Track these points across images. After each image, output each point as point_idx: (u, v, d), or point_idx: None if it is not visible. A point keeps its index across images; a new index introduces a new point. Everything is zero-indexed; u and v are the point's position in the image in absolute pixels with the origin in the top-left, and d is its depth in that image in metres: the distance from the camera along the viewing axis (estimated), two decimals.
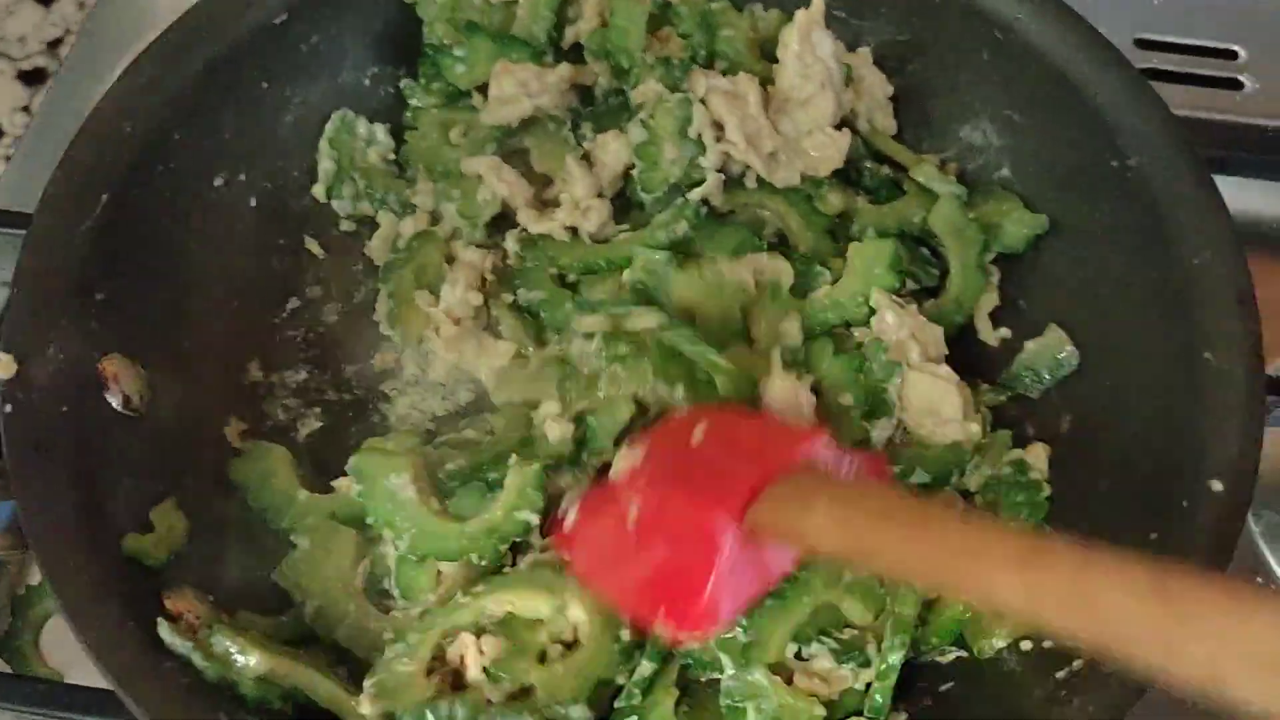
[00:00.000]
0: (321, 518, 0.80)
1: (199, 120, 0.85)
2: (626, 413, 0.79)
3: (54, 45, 1.26)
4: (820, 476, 0.66)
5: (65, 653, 0.86)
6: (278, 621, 0.77)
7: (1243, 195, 1.07)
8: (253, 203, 0.90)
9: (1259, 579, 0.94)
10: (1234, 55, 1.17)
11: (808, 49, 0.88)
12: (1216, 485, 0.70)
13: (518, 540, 0.75)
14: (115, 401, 0.76)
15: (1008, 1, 0.87)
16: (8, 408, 0.70)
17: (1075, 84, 0.85)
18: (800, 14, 0.88)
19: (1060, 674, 0.68)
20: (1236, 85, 1.15)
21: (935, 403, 0.82)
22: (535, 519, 0.74)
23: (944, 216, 0.89)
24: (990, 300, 0.90)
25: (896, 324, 0.82)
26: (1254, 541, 0.95)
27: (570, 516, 0.75)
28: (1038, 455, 0.82)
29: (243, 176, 0.89)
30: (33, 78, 1.24)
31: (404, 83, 0.95)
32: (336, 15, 0.91)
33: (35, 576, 0.90)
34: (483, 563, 0.74)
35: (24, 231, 0.87)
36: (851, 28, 0.96)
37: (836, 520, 0.60)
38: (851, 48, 0.95)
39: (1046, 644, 0.72)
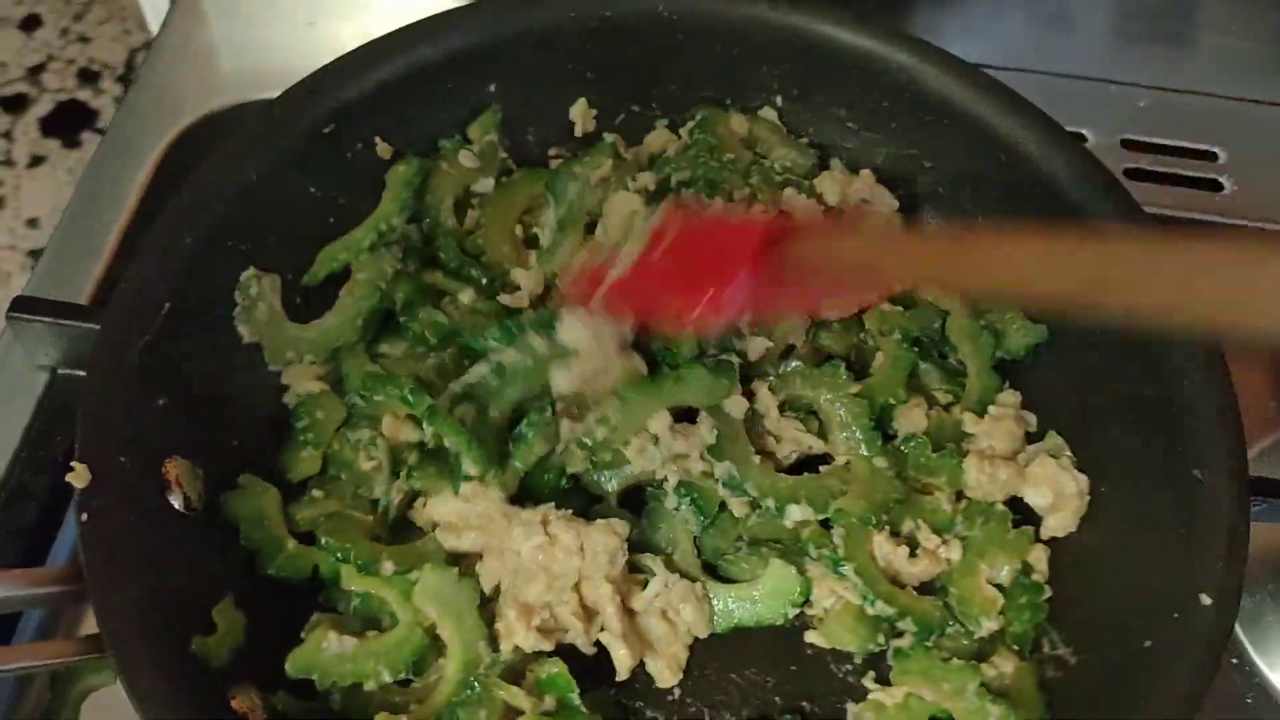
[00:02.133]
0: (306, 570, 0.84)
1: (250, 228, 0.89)
2: None
3: (35, 71, 1.28)
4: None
5: None
6: (312, 705, 0.81)
7: None
8: (298, 300, 0.94)
9: (1234, 660, 0.99)
10: (1215, 157, 1.24)
11: None
12: (1206, 599, 0.75)
13: None
14: (177, 503, 0.80)
15: (1013, 126, 0.93)
16: (84, 516, 0.74)
17: (1073, 205, 0.90)
18: None
19: None
20: (1217, 186, 1.22)
21: None
22: None
23: (959, 325, 0.94)
24: (1012, 398, 0.95)
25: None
26: None
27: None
28: (1038, 557, 0.87)
29: (289, 277, 0.93)
30: (14, 104, 1.25)
31: None
32: (377, 124, 0.96)
33: None
34: None
35: (62, 321, 0.93)
36: (863, 139, 1.02)
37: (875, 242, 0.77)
38: (863, 157, 1.01)
39: None
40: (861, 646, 0.85)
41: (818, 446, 0.92)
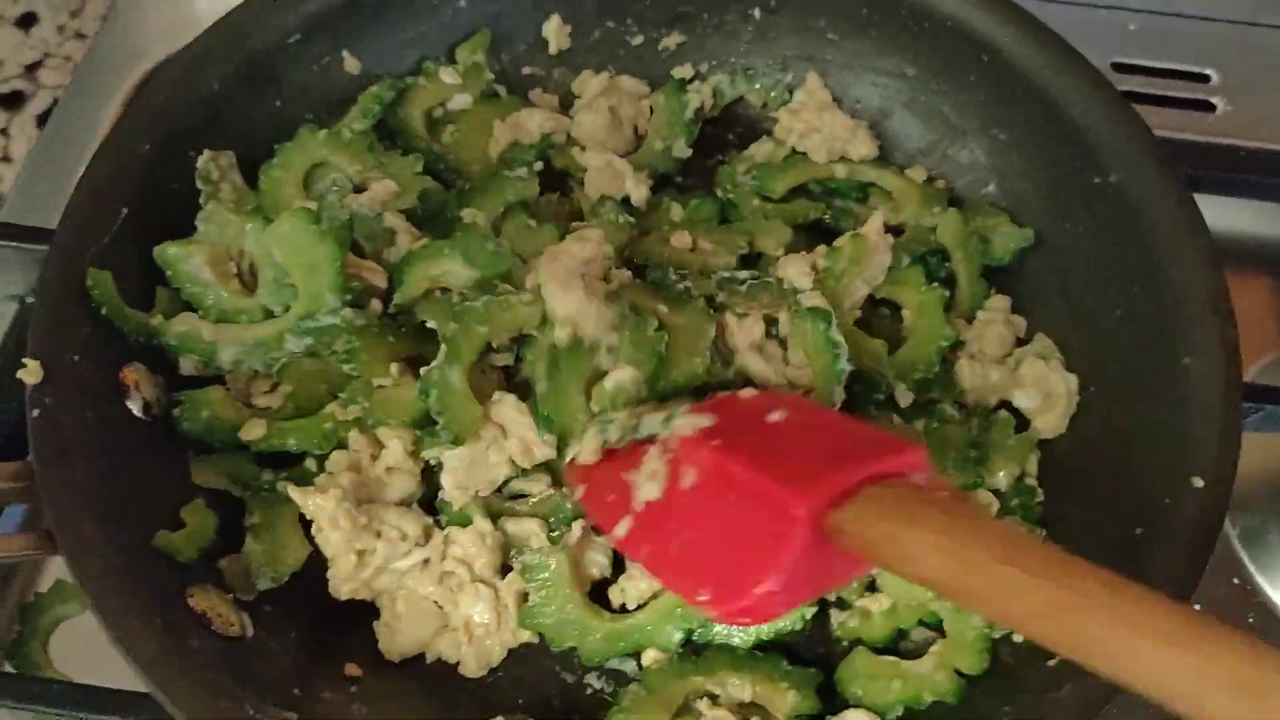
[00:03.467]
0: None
1: (212, 138, 0.88)
2: None
3: (32, 69, 1.28)
4: (925, 494, 0.59)
5: (75, 660, 0.87)
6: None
7: (1214, 212, 1.11)
8: None
9: (1235, 580, 0.97)
10: (1206, 79, 1.21)
11: None
12: (1198, 482, 0.73)
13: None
14: (135, 408, 0.78)
15: (994, 25, 0.91)
16: (35, 412, 0.72)
17: (1057, 104, 0.89)
18: None
19: (1051, 663, 0.71)
20: (1209, 107, 1.19)
21: None
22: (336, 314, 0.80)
23: (950, 230, 0.92)
24: (1001, 302, 0.92)
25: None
26: (1231, 544, 0.98)
27: (586, 453, 0.75)
28: (1031, 461, 0.85)
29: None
30: (11, 100, 1.25)
31: None
32: (345, 38, 0.94)
33: (44, 584, 0.91)
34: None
35: (30, 245, 0.91)
36: (843, 49, 0.99)
37: (944, 548, 0.54)
38: (844, 68, 1.00)
39: None
40: None
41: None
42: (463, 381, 0.78)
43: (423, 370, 0.78)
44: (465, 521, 0.80)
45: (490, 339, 0.80)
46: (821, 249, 0.89)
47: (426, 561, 0.79)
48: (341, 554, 0.78)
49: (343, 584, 0.79)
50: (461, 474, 0.79)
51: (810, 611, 0.79)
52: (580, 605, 0.79)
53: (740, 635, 0.79)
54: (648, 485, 0.69)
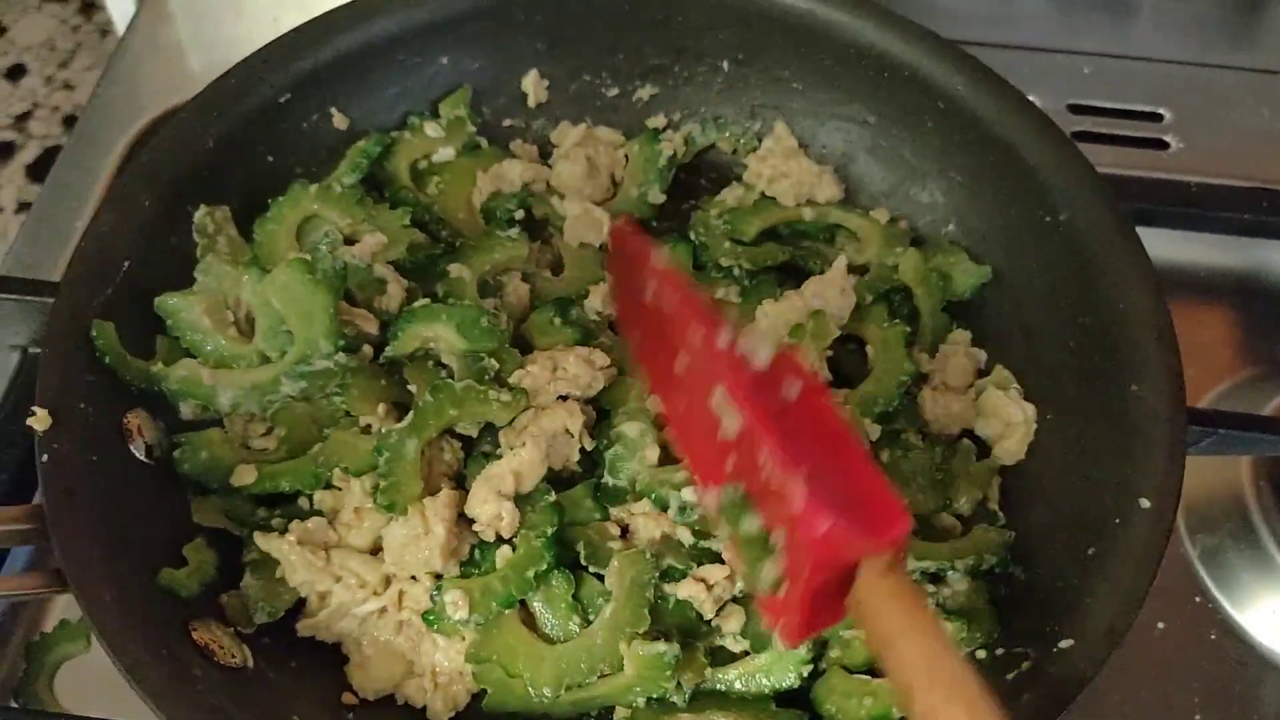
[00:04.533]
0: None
1: (208, 193, 0.92)
2: None
3: (21, 119, 1.32)
4: (917, 593, 0.64)
5: (79, 697, 0.90)
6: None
7: (1169, 246, 1.16)
8: None
9: (1197, 599, 1.00)
10: (1159, 118, 1.27)
11: None
12: (1145, 502, 0.77)
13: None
14: (138, 452, 0.82)
15: (948, 74, 0.96)
16: (44, 457, 0.76)
17: (1010, 147, 0.93)
18: None
19: (1010, 675, 0.75)
20: (1162, 145, 1.25)
21: None
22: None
23: (912, 268, 0.97)
24: (962, 335, 0.97)
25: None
26: (1191, 564, 1.01)
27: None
28: (992, 488, 0.89)
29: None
30: (0, 151, 1.29)
31: None
32: (333, 95, 0.99)
33: (49, 624, 0.94)
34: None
35: (32, 298, 0.95)
36: (809, 99, 1.04)
37: (919, 642, 0.60)
38: (809, 116, 1.05)
39: (998, 652, 0.79)
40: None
41: None
42: (415, 453, 0.81)
43: (382, 429, 0.83)
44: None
45: (457, 422, 0.84)
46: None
47: (385, 609, 0.82)
48: (309, 595, 0.82)
49: (301, 621, 0.82)
50: (396, 551, 0.81)
51: (807, 669, 0.81)
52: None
53: (739, 684, 0.81)
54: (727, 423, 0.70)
